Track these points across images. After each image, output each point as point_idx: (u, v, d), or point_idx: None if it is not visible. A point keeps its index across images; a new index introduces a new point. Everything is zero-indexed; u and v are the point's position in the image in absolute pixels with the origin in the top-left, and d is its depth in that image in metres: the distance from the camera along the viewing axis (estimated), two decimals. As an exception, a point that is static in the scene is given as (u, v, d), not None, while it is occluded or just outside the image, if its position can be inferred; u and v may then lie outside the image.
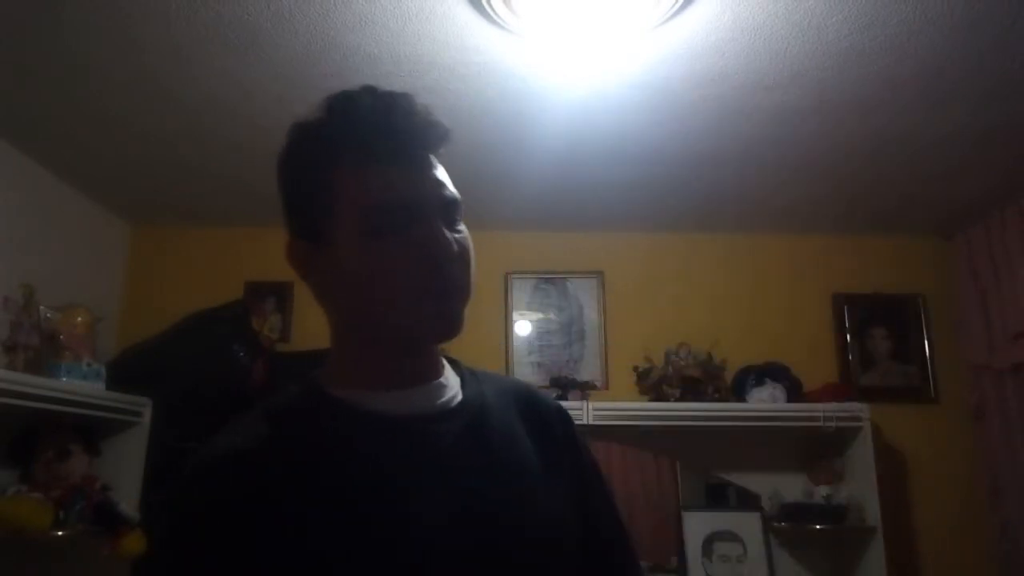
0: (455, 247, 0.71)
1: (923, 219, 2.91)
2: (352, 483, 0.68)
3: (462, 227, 0.74)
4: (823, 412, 2.53)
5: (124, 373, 2.40)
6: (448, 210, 0.73)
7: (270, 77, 1.91)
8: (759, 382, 2.68)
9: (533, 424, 0.81)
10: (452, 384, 0.79)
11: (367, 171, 0.71)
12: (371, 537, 0.65)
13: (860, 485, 2.54)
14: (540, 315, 2.99)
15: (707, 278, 3.03)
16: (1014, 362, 2.62)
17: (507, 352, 2.90)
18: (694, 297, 2.99)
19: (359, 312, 0.75)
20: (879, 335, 2.97)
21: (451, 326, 0.72)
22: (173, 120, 2.14)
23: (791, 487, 2.66)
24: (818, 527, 2.53)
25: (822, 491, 2.60)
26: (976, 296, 2.78)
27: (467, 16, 1.66)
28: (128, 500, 2.23)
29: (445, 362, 0.82)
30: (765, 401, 2.63)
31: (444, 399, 0.77)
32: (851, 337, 2.96)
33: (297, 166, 0.77)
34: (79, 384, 2.15)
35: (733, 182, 2.57)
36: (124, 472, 2.31)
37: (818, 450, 2.66)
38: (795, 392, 2.69)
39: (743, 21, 1.67)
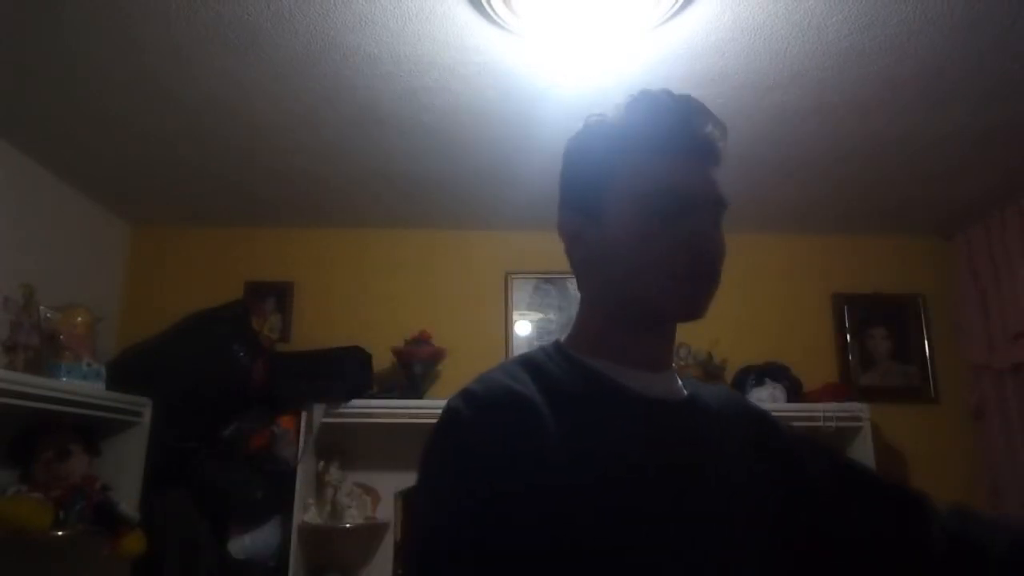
0: (716, 244, 0.77)
1: (923, 219, 2.91)
2: (622, 453, 0.71)
3: (721, 228, 0.80)
4: (823, 412, 2.53)
5: (124, 373, 2.40)
6: (717, 210, 0.78)
7: (270, 77, 1.91)
8: (759, 382, 2.68)
9: (747, 429, 0.86)
10: (678, 378, 0.85)
11: (651, 158, 0.77)
12: (625, 511, 0.68)
13: (860, 485, 2.54)
14: (540, 315, 2.99)
15: (707, 278, 3.02)
16: (1014, 362, 2.62)
17: (507, 352, 2.90)
18: (694, 297, 2.99)
19: (617, 287, 0.79)
20: (879, 335, 2.97)
21: (698, 307, 0.79)
22: (173, 120, 2.14)
23: (791, 487, 2.66)
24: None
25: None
26: (976, 296, 2.78)
27: (467, 16, 1.66)
28: (128, 500, 2.23)
29: None
30: (765, 401, 2.63)
31: (679, 387, 0.83)
32: (851, 337, 2.96)
33: (587, 147, 0.83)
34: (79, 384, 2.15)
35: (733, 182, 2.55)
36: (124, 472, 2.32)
37: (818, 450, 2.66)
38: (795, 392, 2.69)
39: (743, 21, 1.67)
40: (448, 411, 0.69)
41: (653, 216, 0.75)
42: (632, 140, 0.79)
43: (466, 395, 0.70)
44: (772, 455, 0.84)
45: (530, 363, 0.78)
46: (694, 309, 0.79)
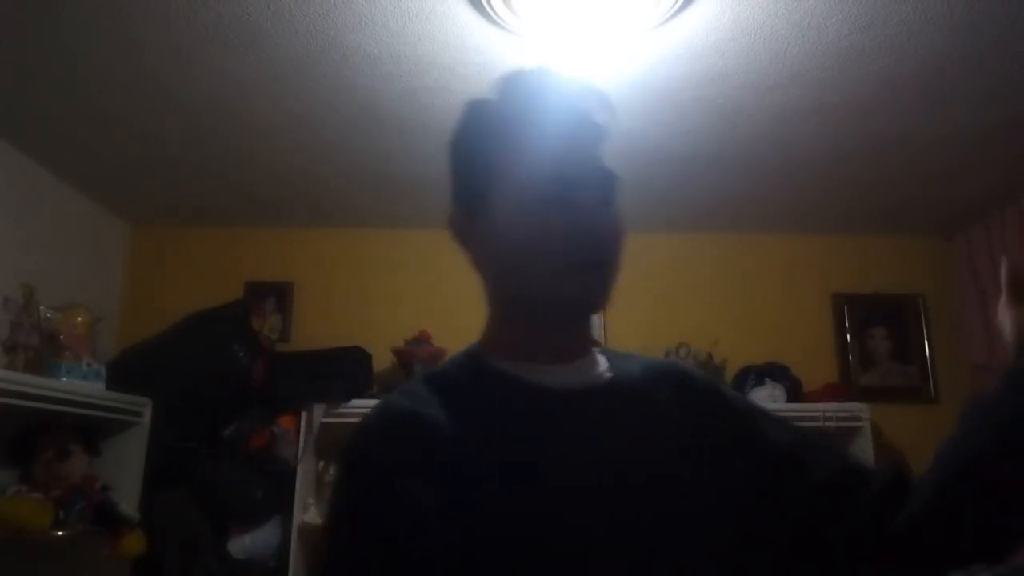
0: (606, 223, 0.73)
1: (923, 219, 2.91)
2: (521, 453, 0.69)
3: (617, 206, 0.76)
4: (823, 412, 2.53)
5: (125, 373, 2.40)
6: (605, 188, 0.74)
7: (270, 77, 1.91)
8: (759, 382, 2.68)
9: (683, 398, 0.81)
10: (601, 359, 0.81)
11: (529, 142, 0.73)
12: (535, 509, 0.66)
13: (860, 485, 2.54)
14: (540, 315, 2.98)
15: (707, 278, 3.02)
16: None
17: (507, 352, 2.90)
18: (694, 297, 2.99)
19: (509, 281, 0.77)
20: (879, 335, 2.97)
21: (597, 298, 0.74)
22: (173, 120, 2.14)
23: (791, 487, 2.66)
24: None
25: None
26: (976, 296, 2.78)
27: (467, 16, 1.66)
28: (128, 500, 2.23)
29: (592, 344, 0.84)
30: (765, 401, 2.63)
31: (597, 372, 0.78)
32: (851, 337, 2.96)
33: (465, 139, 0.79)
34: (79, 384, 2.15)
35: (733, 182, 2.57)
36: (124, 472, 2.31)
37: (818, 450, 2.66)
38: (795, 392, 2.69)
39: (743, 21, 1.67)
40: (345, 450, 0.70)
41: (537, 203, 0.71)
42: (509, 125, 0.74)
43: (359, 425, 0.71)
44: (714, 427, 0.79)
45: (436, 377, 0.77)
46: (592, 301, 0.74)
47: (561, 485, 0.68)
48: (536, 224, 0.72)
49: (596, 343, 0.84)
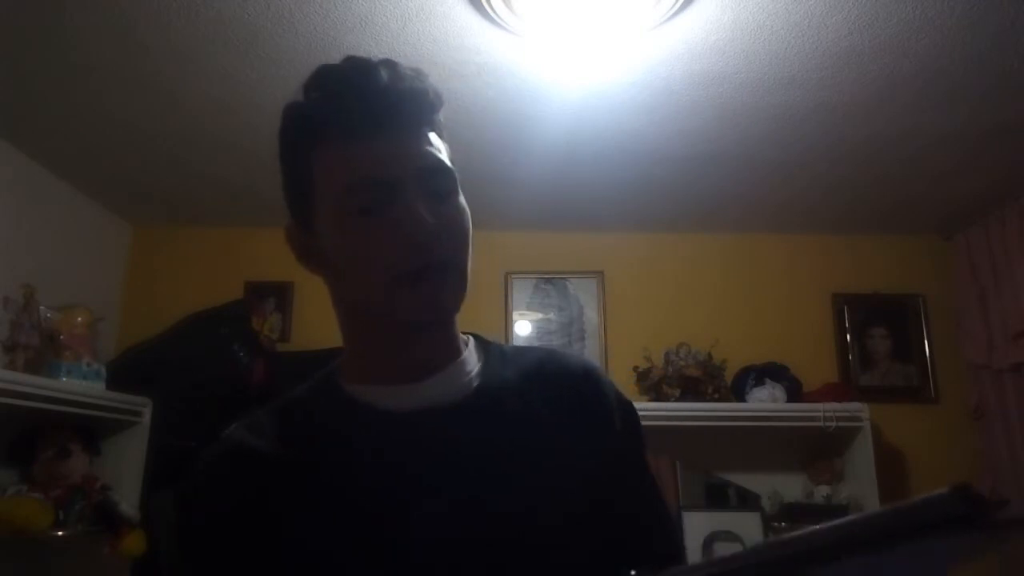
0: (431, 223, 0.65)
1: (923, 219, 2.91)
2: (355, 483, 0.66)
3: (455, 200, 0.69)
4: (823, 412, 2.53)
5: (125, 373, 2.40)
6: (431, 182, 0.67)
7: (270, 77, 1.91)
8: (759, 382, 2.68)
9: (561, 401, 0.74)
10: (470, 368, 0.74)
11: (342, 149, 0.67)
12: (371, 539, 0.64)
13: (860, 485, 2.54)
14: (540, 315, 2.99)
15: (707, 278, 3.03)
16: (1014, 362, 2.61)
17: (507, 352, 2.90)
18: (694, 297, 2.99)
19: (348, 300, 0.73)
20: (879, 335, 2.97)
21: (434, 307, 0.68)
22: (173, 120, 2.14)
23: (791, 487, 2.66)
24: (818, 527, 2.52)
25: (822, 491, 2.61)
26: (976, 296, 2.78)
27: (467, 16, 1.66)
28: (128, 500, 2.23)
29: (470, 340, 0.78)
30: (765, 401, 2.63)
31: (459, 386, 0.72)
32: (851, 337, 2.96)
33: (283, 148, 0.74)
34: (79, 384, 2.15)
35: (733, 182, 2.57)
36: (124, 472, 2.32)
37: (818, 450, 2.66)
38: (795, 392, 2.69)
39: (743, 21, 1.67)
40: (177, 491, 0.71)
41: (355, 213, 0.65)
42: (317, 130, 0.68)
43: (194, 468, 0.70)
44: (588, 419, 0.73)
45: (286, 404, 0.74)
46: (434, 309, 0.68)
47: (380, 514, 0.64)
48: (359, 234, 0.66)
49: (481, 340, 0.79)
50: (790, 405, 2.62)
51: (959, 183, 2.55)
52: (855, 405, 2.57)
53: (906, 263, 3.04)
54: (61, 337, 2.19)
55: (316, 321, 2.94)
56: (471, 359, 0.75)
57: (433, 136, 0.70)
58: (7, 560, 2.12)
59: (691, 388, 2.67)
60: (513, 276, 2.99)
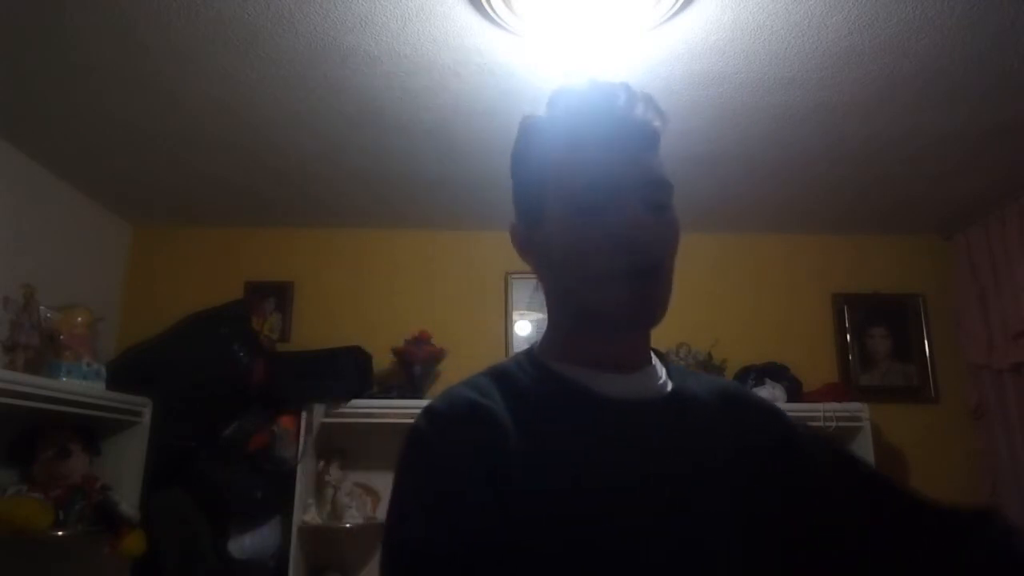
0: (651, 230, 0.72)
1: (923, 219, 2.91)
2: (571, 458, 0.70)
3: (671, 212, 0.76)
4: (823, 412, 2.53)
5: (125, 373, 2.40)
6: (652, 193, 0.74)
7: (270, 77, 1.91)
8: (759, 382, 2.68)
9: (742, 423, 0.81)
10: (661, 373, 0.81)
11: (573, 154, 0.75)
12: (580, 512, 0.67)
13: (860, 485, 2.54)
14: (540, 315, 2.98)
15: (707, 278, 3.02)
16: (1014, 362, 2.62)
17: (507, 352, 2.90)
18: (694, 297, 2.99)
19: (564, 294, 0.78)
20: (879, 335, 2.97)
21: (647, 310, 0.73)
22: (173, 120, 2.14)
23: (791, 487, 2.66)
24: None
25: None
26: (976, 296, 2.78)
27: (467, 16, 1.66)
28: (128, 500, 2.23)
29: (652, 354, 0.84)
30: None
31: (657, 386, 0.79)
32: (851, 337, 2.96)
33: (520, 153, 0.82)
34: (79, 384, 2.15)
35: (733, 182, 2.57)
36: (124, 472, 2.32)
37: (818, 450, 2.66)
38: (795, 392, 2.69)
39: (743, 21, 1.67)
40: (412, 429, 0.71)
41: (582, 214, 0.73)
42: (556, 138, 0.77)
43: (428, 411, 0.72)
44: (772, 452, 0.79)
45: (500, 374, 0.78)
46: (642, 313, 0.73)
47: (612, 496, 0.69)
48: (577, 233, 0.73)
49: (661, 355, 0.84)
50: (790, 405, 2.62)
51: (959, 183, 2.55)
52: (855, 405, 2.57)
53: (906, 263, 3.04)
54: (61, 337, 2.20)
55: (316, 321, 2.94)
56: (659, 366, 0.82)
57: (656, 153, 0.78)
58: (7, 560, 2.12)
59: (691, 388, 2.67)
60: (513, 276, 2.99)
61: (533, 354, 0.81)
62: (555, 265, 0.77)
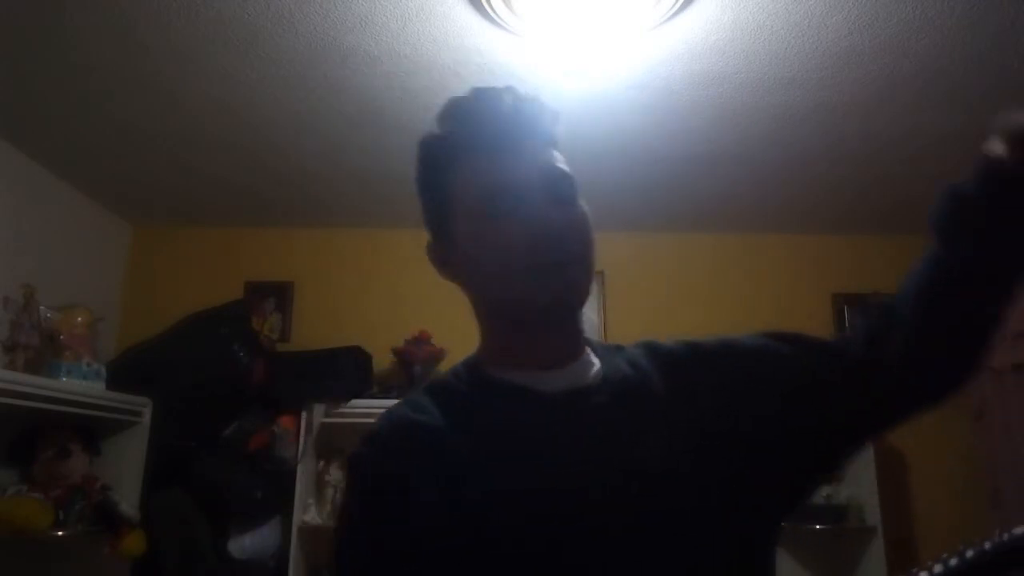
0: (559, 221, 0.74)
1: (923, 219, 2.88)
2: (511, 456, 0.72)
3: (577, 204, 0.78)
4: (823, 412, 2.53)
5: (125, 373, 2.40)
6: (555, 188, 0.76)
7: (270, 77, 1.91)
8: (759, 382, 2.68)
9: (665, 373, 0.82)
10: (594, 361, 0.82)
11: (476, 164, 0.76)
12: (534, 511, 0.68)
13: (860, 485, 2.54)
14: (540, 315, 2.98)
15: (707, 278, 3.02)
16: (1014, 362, 2.61)
17: (507, 352, 2.90)
18: (693, 297, 2.99)
19: (485, 294, 0.80)
20: (879, 335, 2.97)
21: (569, 294, 0.75)
22: (173, 120, 2.14)
23: (791, 487, 2.66)
24: (818, 527, 2.53)
25: (822, 491, 2.60)
26: (976, 296, 2.77)
27: (467, 16, 1.66)
28: (128, 500, 2.23)
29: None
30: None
31: (592, 372, 0.80)
32: (851, 337, 2.96)
33: (421, 176, 0.85)
34: (79, 384, 2.15)
35: (733, 182, 2.57)
36: (124, 472, 2.32)
37: (818, 450, 2.66)
38: (795, 392, 2.69)
39: (743, 21, 1.67)
40: (351, 455, 0.74)
41: (491, 220, 0.74)
42: (453, 153, 0.78)
43: (366, 435, 0.75)
44: (715, 386, 0.79)
45: (436, 388, 0.80)
46: (563, 299, 0.76)
47: (557, 487, 0.70)
48: (490, 239, 0.75)
49: (587, 340, 0.84)
50: (790, 405, 2.62)
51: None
52: (855, 405, 2.56)
53: (906, 263, 3.00)
54: (61, 337, 2.20)
55: (316, 321, 2.94)
56: (590, 352, 0.83)
57: (553, 148, 0.80)
58: (7, 560, 2.12)
59: (691, 388, 2.67)
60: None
61: (470, 364, 0.82)
62: (475, 275, 0.79)
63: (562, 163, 0.79)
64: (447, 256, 0.82)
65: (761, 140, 2.25)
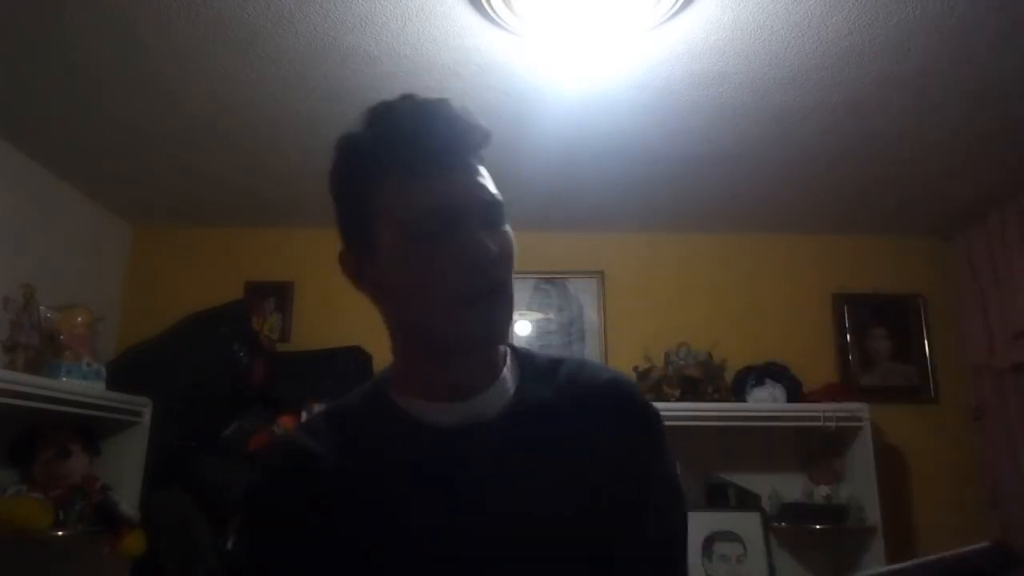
0: (493, 250, 0.71)
1: (923, 219, 2.91)
2: (403, 491, 0.71)
3: (506, 229, 0.75)
4: (823, 412, 2.53)
5: (125, 373, 2.40)
6: (488, 213, 0.73)
7: (270, 77, 1.91)
8: (759, 382, 2.68)
9: (589, 415, 0.78)
10: (509, 387, 0.78)
11: (404, 182, 0.72)
12: (409, 547, 0.69)
13: (860, 485, 2.54)
14: (540, 315, 2.99)
15: (707, 278, 3.03)
16: (1014, 362, 2.61)
17: (507, 352, 2.90)
18: (694, 297, 2.99)
19: (404, 320, 0.77)
20: (879, 335, 2.97)
21: (490, 331, 0.73)
22: (174, 120, 2.14)
23: (791, 487, 2.66)
24: (818, 527, 2.53)
25: (822, 491, 2.60)
26: (976, 296, 2.78)
27: (467, 16, 1.66)
28: (128, 500, 2.23)
29: (507, 354, 0.81)
30: (765, 401, 2.63)
31: (499, 404, 0.76)
32: (851, 337, 2.96)
33: (342, 179, 0.79)
34: (79, 384, 2.15)
35: (733, 182, 2.57)
36: (124, 472, 2.32)
37: (818, 450, 2.66)
38: (795, 392, 2.69)
39: (743, 21, 1.67)
40: (246, 484, 0.78)
41: (418, 242, 0.71)
42: (381, 163, 0.73)
43: (260, 465, 0.79)
44: (624, 453, 0.76)
45: (340, 410, 0.81)
46: (488, 333, 0.73)
47: (435, 524, 0.69)
48: (417, 262, 0.71)
49: (528, 356, 0.82)
50: (790, 405, 2.62)
51: (959, 183, 2.55)
52: (855, 405, 2.57)
53: (906, 263, 3.04)
54: (61, 337, 2.20)
55: (316, 321, 2.94)
56: (509, 377, 0.79)
57: (483, 169, 0.77)
58: (7, 560, 2.12)
59: (691, 388, 2.67)
60: (513, 276, 2.99)
61: (379, 384, 0.81)
62: (396, 296, 0.75)
63: (492, 185, 0.75)
64: (364, 269, 0.77)
65: (761, 140, 2.25)
